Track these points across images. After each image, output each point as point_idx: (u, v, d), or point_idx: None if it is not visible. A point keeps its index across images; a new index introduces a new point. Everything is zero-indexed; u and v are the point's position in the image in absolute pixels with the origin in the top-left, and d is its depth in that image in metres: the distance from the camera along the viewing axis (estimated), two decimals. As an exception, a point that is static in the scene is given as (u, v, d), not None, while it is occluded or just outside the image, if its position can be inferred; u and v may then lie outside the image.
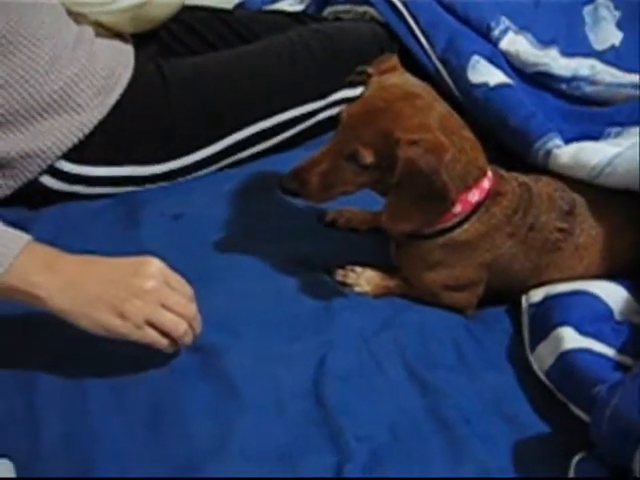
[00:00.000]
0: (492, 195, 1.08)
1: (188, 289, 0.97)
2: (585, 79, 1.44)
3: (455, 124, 1.05)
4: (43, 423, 0.91)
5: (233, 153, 1.36)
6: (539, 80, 1.47)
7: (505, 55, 1.47)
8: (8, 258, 0.89)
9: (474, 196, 1.07)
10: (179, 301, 0.94)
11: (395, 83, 1.05)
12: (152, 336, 0.92)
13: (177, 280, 0.96)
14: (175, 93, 1.32)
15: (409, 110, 1.01)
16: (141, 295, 0.91)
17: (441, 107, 1.05)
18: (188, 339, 0.95)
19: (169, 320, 0.93)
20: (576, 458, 0.91)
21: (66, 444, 0.89)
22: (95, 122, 1.25)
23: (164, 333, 0.93)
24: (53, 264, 0.92)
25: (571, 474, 0.90)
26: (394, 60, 1.10)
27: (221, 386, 0.95)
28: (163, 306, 0.93)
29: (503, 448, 0.94)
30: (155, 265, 0.94)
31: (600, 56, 1.49)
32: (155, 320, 0.92)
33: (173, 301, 0.93)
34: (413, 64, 1.41)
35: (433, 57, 1.44)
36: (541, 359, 1.03)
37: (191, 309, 0.96)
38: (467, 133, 1.06)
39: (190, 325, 0.95)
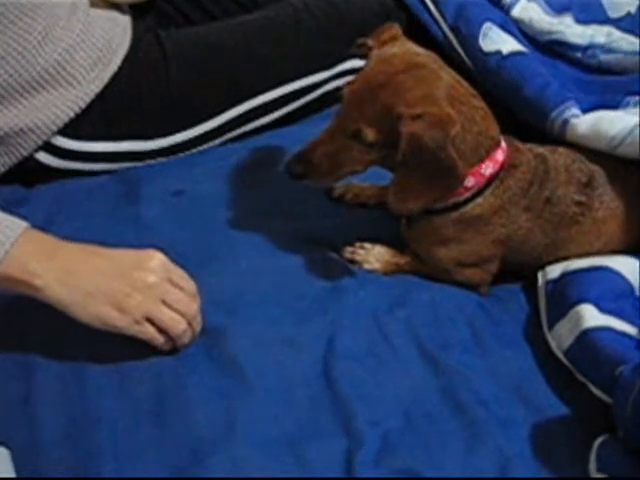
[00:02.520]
0: (506, 167, 1.05)
1: (191, 285, 0.93)
2: (601, 47, 1.39)
3: (464, 93, 1.01)
4: (41, 409, 0.88)
5: (236, 127, 1.32)
6: (553, 49, 1.43)
7: (517, 23, 1.43)
8: (4, 245, 0.86)
9: (487, 168, 1.03)
10: (180, 299, 0.91)
11: (396, 54, 1.00)
12: (150, 332, 0.89)
13: (180, 275, 0.93)
14: (174, 65, 1.27)
15: (411, 82, 0.97)
16: (142, 290, 0.88)
17: (448, 76, 1.00)
18: (186, 339, 0.92)
19: (169, 317, 0.90)
20: (598, 441, 0.89)
21: (66, 431, 0.86)
22: (92, 95, 1.21)
23: (162, 330, 0.90)
24: (52, 252, 0.89)
25: (592, 458, 0.88)
26: (394, 29, 1.05)
27: (226, 370, 0.92)
28: (164, 302, 0.89)
29: (521, 432, 0.92)
30: (158, 259, 0.91)
31: (616, 24, 1.43)
32: (154, 316, 0.89)
33: (174, 298, 0.90)
34: (422, 34, 1.36)
35: (443, 26, 1.38)
36: (560, 338, 1.00)
37: (192, 307, 0.92)
38: (478, 102, 1.02)
39: (190, 324, 0.92)
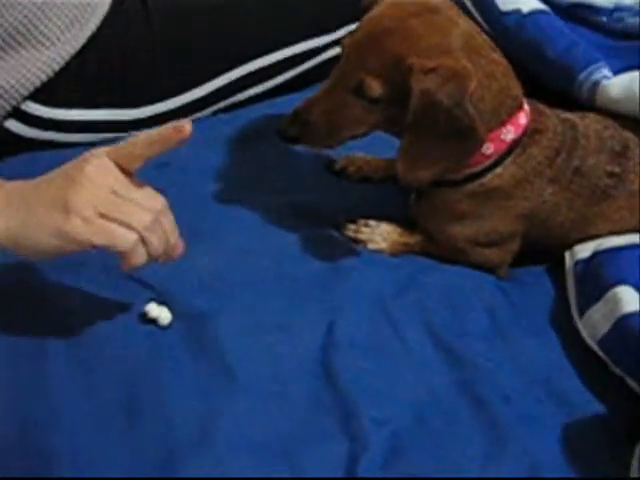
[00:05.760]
0: (530, 133, 0.96)
1: (140, 193, 0.78)
2: (629, 9, 1.30)
3: (483, 45, 0.92)
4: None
5: (227, 95, 1.23)
6: (575, 13, 1.32)
7: (536, -15, 1.32)
8: None
9: (508, 133, 0.94)
10: (122, 209, 0.76)
11: None
12: (110, 229, 0.75)
13: (121, 181, 0.78)
14: (159, 26, 1.18)
15: (424, 28, 0.88)
16: (84, 182, 0.75)
17: (465, 24, 0.92)
18: (157, 240, 0.77)
19: (127, 208, 0.76)
20: (641, 444, 0.78)
21: (22, 432, 0.75)
22: (67, 58, 1.11)
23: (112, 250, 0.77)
24: None
25: (635, 463, 0.78)
26: None
27: (209, 361, 0.83)
28: (116, 194, 0.76)
29: (550, 432, 0.83)
30: (89, 170, 0.76)
31: (643, -15, 1.34)
32: (108, 209, 0.75)
33: (128, 189, 0.77)
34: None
35: (455, -16, 1.28)
36: (593, 325, 0.90)
37: (158, 200, 0.79)
38: (498, 56, 0.94)
39: (144, 239, 0.77)
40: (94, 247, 0.75)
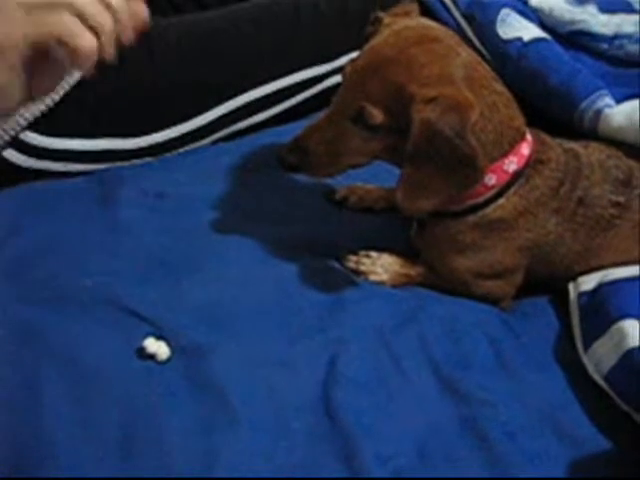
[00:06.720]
0: (532, 163, 0.95)
1: None
2: (629, 37, 1.30)
3: (484, 75, 0.91)
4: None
5: (227, 124, 1.22)
6: (575, 40, 1.33)
7: (536, 13, 1.32)
8: None
9: (511, 164, 0.93)
10: None
11: (408, 26, 0.91)
12: (37, 16, 0.66)
13: None
14: (159, 55, 1.17)
15: (425, 57, 0.87)
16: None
17: (466, 53, 0.90)
18: (94, 8, 0.67)
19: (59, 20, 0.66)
20: (649, 483, 0.76)
21: (17, 467, 0.73)
22: (66, 87, 1.10)
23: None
24: None
25: None
26: (411, 6, 0.96)
27: (208, 396, 0.81)
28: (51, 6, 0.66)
29: (555, 469, 0.81)
30: None
31: (643, 13, 1.34)
32: (32, 2, 0.66)
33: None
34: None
35: (455, 13, 1.28)
36: (599, 360, 0.88)
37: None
38: (499, 86, 0.92)
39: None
40: (36, 46, 0.66)
